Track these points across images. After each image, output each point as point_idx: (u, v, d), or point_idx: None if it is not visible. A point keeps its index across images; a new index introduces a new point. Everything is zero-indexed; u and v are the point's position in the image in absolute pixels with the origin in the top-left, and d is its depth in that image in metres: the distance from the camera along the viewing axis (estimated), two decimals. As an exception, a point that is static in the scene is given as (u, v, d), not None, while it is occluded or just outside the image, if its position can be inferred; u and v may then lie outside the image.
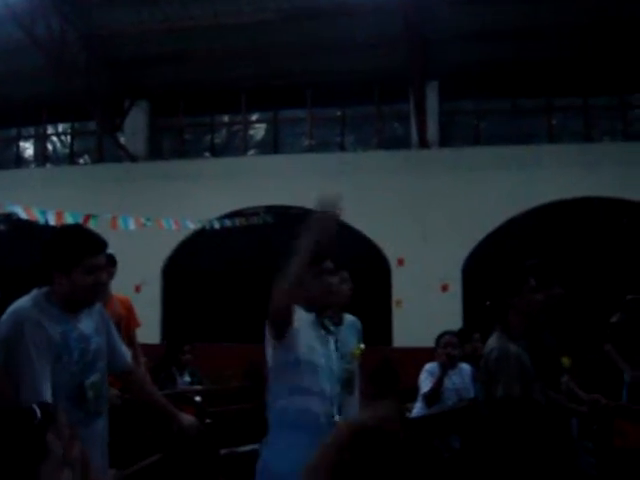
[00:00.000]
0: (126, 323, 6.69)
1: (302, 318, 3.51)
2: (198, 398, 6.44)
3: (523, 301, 4.21)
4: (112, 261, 6.61)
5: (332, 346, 3.71)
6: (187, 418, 3.95)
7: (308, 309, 3.61)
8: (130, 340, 6.69)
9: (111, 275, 6.65)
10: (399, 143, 15.73)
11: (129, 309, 6.85)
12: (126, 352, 3.92)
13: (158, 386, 7.50)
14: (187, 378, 7.91)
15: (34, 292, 3.47)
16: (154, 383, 7.45)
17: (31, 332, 3.28)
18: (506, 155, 14.37)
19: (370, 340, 5.79)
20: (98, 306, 3.75)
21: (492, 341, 4.24)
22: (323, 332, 3.67)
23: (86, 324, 3.55)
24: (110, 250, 6.67)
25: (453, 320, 11.20)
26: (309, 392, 3.50)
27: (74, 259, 3.39)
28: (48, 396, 3.24)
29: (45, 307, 3.40)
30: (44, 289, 3.47)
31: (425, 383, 6.80)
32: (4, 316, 3.35)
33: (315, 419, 3.47)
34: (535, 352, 4.23)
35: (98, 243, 3.56)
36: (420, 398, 6.85)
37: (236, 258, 15.11)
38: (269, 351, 3.55)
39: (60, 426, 2.27)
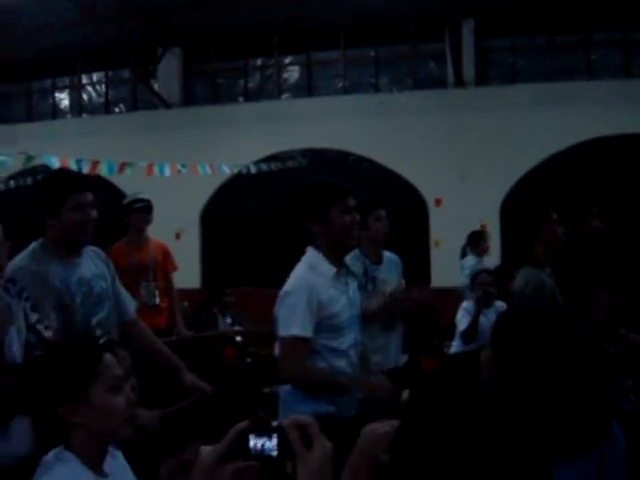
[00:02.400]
0: (163, 268, 6.78)
1: (321, 286, 3.45)
2: (239, 338, 6.51)
3: (547, 233, 4.28)
4: (148, 208, 6.69)
5: (353, 289, 3.68)
6: (190, 378, 3.90)
7: (331, 251, 3.57)
8: (168, 284, 6.79)
9: (148, 221, 6.75)
10: (435, 83, 15.49)
11: (165, 254, 6.98)
12: (130, 302, 3.96)
13: (200, 326, 7.64)
14: (228, 320, 8.00)
15: (31, 245, 3.55)
16: (196, 324, 7.63)
17: (29, 284, 3.35)
18: (544, 92, 14.06)
19: (409, 280, 5.78)
20: (101, 254, 3.82)
21: (524, 273, 4.31)
22: (343, 279, 3.62)
23: (86, 268, 3.62)
24: (147, 197, 6.84)
25: (491, 259, 11.09)
26: (335, 351, 3.51)
27: (60, 198, 3.45)
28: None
29: (42, 257, 3.48)
30: (40, 240, 3.54)
31: (462, 321, 6.87)
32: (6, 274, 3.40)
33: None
34: (562, 282, 4.28)
35: (81, 181, 3.66)
36: (457, 336, 6.92)
37: (273, 202, 15.10)
38: None
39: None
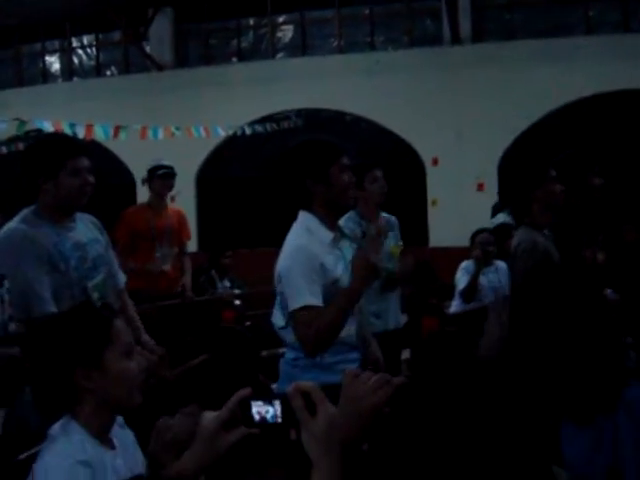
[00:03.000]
0: (177, 234, 6.89)
1: (321, 251, 3.32)
2: (237, 302, 6.51)
3: (544, 192, 4.14)
4: (171, 174, 6.80)
5: (348, 253, 3.57)
6: (146, 338, 3.89)
7: (328, 213, 3.44)
8: (181, 250, 6.89)
9: (170, 187, 6.97)
10: (431, 40, 15.31)
11: (181, 221, 7.15)
12: (120, 272, 3.94)
13: (198, 289, 7.67)
14: (227, 283, 8.00)
15: (23, 211, 3.50)
16: (195, 287, 7.68)
17: (21, 249, 3.33)
18: (541, 49, 13.91)
19: (406, 240, 5.73)
20: (95, 220, 3.81)
21: (519, 234, 4.21)
22: (340, 244, 3.50)
23: (81, 233, 3.60)
24: (170, 163, 6.95)
25: (489, 219, 11.05)
26: None
27: (58, 163, 3.41)
28: (51, 304, 3.29)
29: (34, 222, 3.44)
30: (32, 206, 3.50)
31: (461, 280, 6.90)
32: None
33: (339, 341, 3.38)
34: (560, 243, 4.18)
35: (78, 145, 3.65)
36: (457, 295, 6.93)
37: (269, 163, 15.02)
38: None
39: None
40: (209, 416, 1.75)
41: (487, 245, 6.85)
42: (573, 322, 1.90)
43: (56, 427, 2.10)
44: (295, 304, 3.22)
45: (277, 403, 1.61)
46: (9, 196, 3.45)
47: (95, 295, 3.53)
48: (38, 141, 3.87)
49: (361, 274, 3.23)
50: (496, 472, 1.16)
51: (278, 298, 3.45)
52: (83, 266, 3.53)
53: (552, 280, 2.05)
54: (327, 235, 3.39)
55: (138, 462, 2.25)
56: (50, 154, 3.49)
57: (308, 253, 3.26)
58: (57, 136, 4.38)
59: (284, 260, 3.33)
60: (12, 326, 3.06)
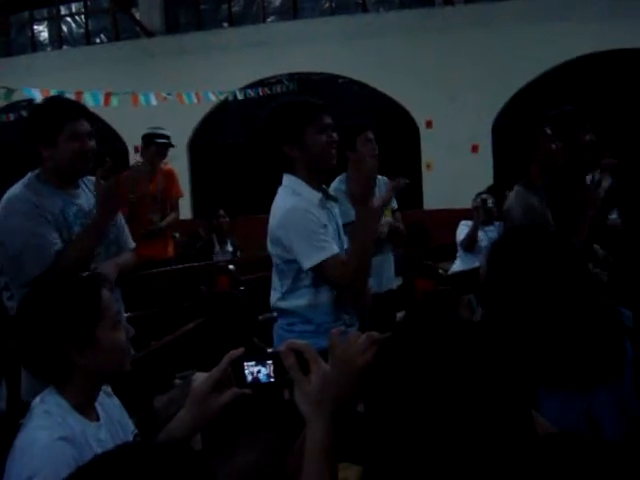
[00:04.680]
0: (167, 193, 7.02)
1: (314, 212, 3.22)
2: (232, 267, 6.52)
3: (541, 151, 4.10)
4: (169, 145, 6.86)
5: (336, 215, 3.49)
6: None
7: (311, 176, 3.32)
8: (171, 207, 6.97)
9: (164, 157, 7.08)
10: (423, 1, 15.10)
11: (170, 178, 7.20)
12: (129, 236, 3.83)
13: (196, 255, 7.71)
14: (229, 247, 8.00)
15: (27, 176, 3.43)
16: (193, 253, 7.74)
17: (22, 210, 3.28)
18: (535, 7, 13.74)
19: (401, 203, 5.73)
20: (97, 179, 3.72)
21: (513, 195, 4.17)
22: (328, 205, 3.41)
23: (85, 199, 3.52)
24: (168, 133, 6.98)
25: (484, 181, 11.03)
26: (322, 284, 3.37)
27: (56, 127, 3.33)
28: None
29: (38, 187, 3.36)
30: (36, 171, 3.42)
31: (462, 234, 7.19)
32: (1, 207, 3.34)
33: (326, 308, 3.33)
34: (555, 203, 4.14)
35: (77, 108, 3.51)
36: (459, 247, 7.22)
37: (262, 126, 14.93)
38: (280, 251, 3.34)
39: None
40: (201, 377, 1.75)
41: (486, 201, 7.03)
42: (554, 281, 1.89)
43: (37, 400, 2.07)
44: (314, 261, 3.15)
45: (270, 363, 1.61)
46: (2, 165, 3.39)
47: (94, 264, 3.49)
48: (38, 105, 3.80)
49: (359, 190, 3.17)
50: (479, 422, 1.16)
51: (275, 265, 3.36)
52: None
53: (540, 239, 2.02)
54: (314, 195, 3.30)
55: (126, 429, 2.24)
56: (49, 118, 3.38)
57: (303, 211, 3.19)
58: (56, 98, 4.24)
59: (282, 223, 3.23)
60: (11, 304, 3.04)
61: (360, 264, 3.17)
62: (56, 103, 3.65)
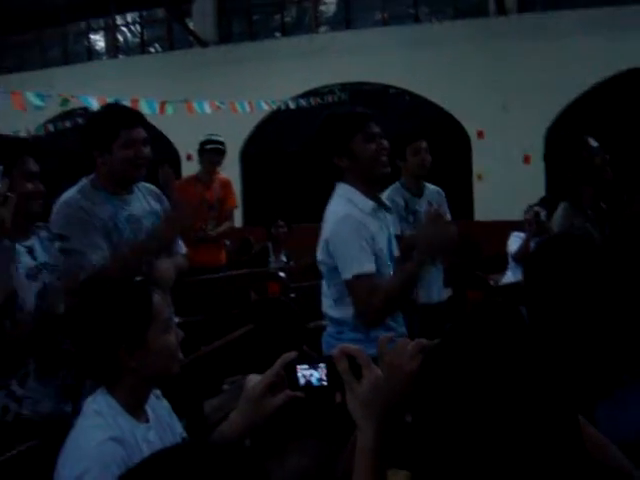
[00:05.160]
0: (222, 202, 7.06)
1: (365, 220, 3.22)
2: (282, 274, 6.53)
3: (583, 167, 3.97)
4: (220, 150, 6.91)
5: (388, 225, 3.48)
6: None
7: (364, 185, 3.31)
8: (225, 217, 7.02)
9: (218, 163, 7.11)
10: (476, 11, 15.08)
11: (226, 188, 7.23)
12: (180, 244, 3.83)
13: (250, 262, 7.75)
14: (283, 258, 8.03)
15: (82, 180, 3.46)
16: (247, 260, 7.77)
17: (73, 215, 3.30)
18: (588, 19, 13.60)
19: (451, 213, 5.69)
20: (155, 190, 3.74)
21: (558, 212, 4.04)
22: (381, 214, 3.40)
23: (137, 206, 3.53)
24: (221, 139, 7.04)
25: (536, 192, 10.92)
26: None
27: (111, 133, 3.35)
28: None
29: (91, 192, 3.39)
30: (91, 176, 3.45)
31: (513, 245, 7.14)
32: (54, 209, 3.37)
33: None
34: (602, 221, 4.02)
35: (133, 115, 3.51)
36: (510, 260, 7.16)
37: (312, 137, 14.98)
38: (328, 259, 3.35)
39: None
40: (255, 379, 1.76)
41: (539, 213, 6.99)
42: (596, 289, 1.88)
43: (89, 400, 2.10)
44: (350, 272, 3.14)
45: (322, 366, 1.61)
46: (59, 172, 3.42)
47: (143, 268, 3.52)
48: (95, 112, 3.83)
49: (428, 252, 3.17)
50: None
51: (323, 273, 3.37)
52: (136, 239, 3.48)
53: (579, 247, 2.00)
54: (367, 204, 3.29)
55: (175, 432, 2.25)
56: (105, 124, 3.42)
57: (355, 221, 3.18)
58: (113, 106, 4.27)
59: (332, 230, 3.24)
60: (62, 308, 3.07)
61: (389, 305, 3.19)
62: (113, 110, 3.69)
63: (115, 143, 3.36)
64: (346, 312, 3.28)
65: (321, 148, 3.37)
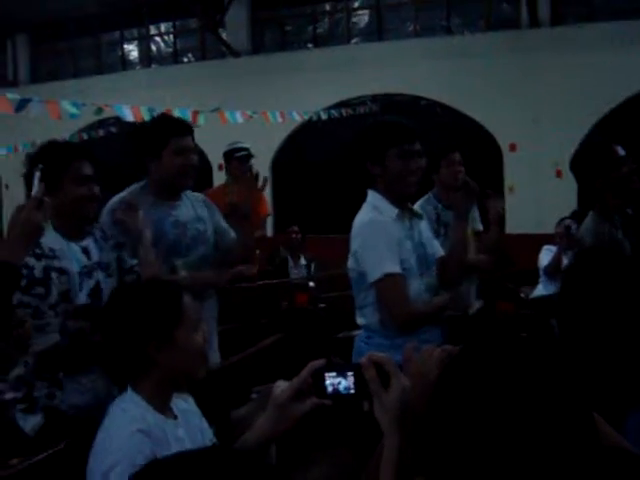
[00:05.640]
0: (257, 213, 7.02)
1: (390, 229, 3.26)
2: (311, 284, 6.54)
3: (613, 176, 3.91)
4: (248, 157, 6.95)
5: (420, 230, 3.49)
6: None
7: (390, 195, 3.35)
8: (257, 226, 7.04)
9: (247, 169, 6.97)
10: (508, 23, 15.00)
11: (259, 200, 7.11)
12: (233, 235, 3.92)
13: (274, 272, 7.78)
14: (303, 261, 8.07)
15: (132, 185, 3.64)
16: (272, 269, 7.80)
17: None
18: (622, 31, 13.47)
19: (483, 226, 5.66)
20: (203, 198, 3.88)
21: (586, 222, 4.00)
22: (407, 223, 3.41)
23: (183, 212, 3.68)
24: (247, 145, 7.08)
25: (568, 205, 10.84)
26: None
27: (162, 141, 3.47)
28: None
29: (139, 197, 3.52)
30: (142, 182, 3.62)
31: (544, 259, 7.11)
32: (103, 212, 3.49)
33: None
34: (629, 228, 3.98)
35: (184, 125, 3.66)
36: (542, 273, 7.14)
37: (344, 149, 14.99)
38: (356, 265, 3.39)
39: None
40: (282, 385, 1.76)
41: (570, 227, 6.95)
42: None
43: (115, 401, 2.14)
44: (378, 273, 3.18)
45: (350, 375, 1.61)
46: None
47: (182, 273, 3.58)
48: (147, 120, 3.97)
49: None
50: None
51: (352, 280, 3.39)
52: (180, 244, 3.62)
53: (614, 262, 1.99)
54: (392, 211, 3.32)
55: (204, 434, 2.27)
56: (156, 132, 3.58)
57: (380, 225, 3.23)
58: (165, 115, 4.42)
59: (358, 236, 3.29)
60: None
61: (422, 320, 3.26)
62: (164, 119, 3.88)
63: (165, 150, 3.52)
64: (370, 319, 3.33)
65: (357, 152, 3.42)
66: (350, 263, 3.36)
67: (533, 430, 1.13)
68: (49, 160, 2.82)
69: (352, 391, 1.61)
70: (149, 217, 3.46)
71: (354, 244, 3.31)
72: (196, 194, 3.84)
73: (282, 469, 2.82)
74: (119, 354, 2.16)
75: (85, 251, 3.04)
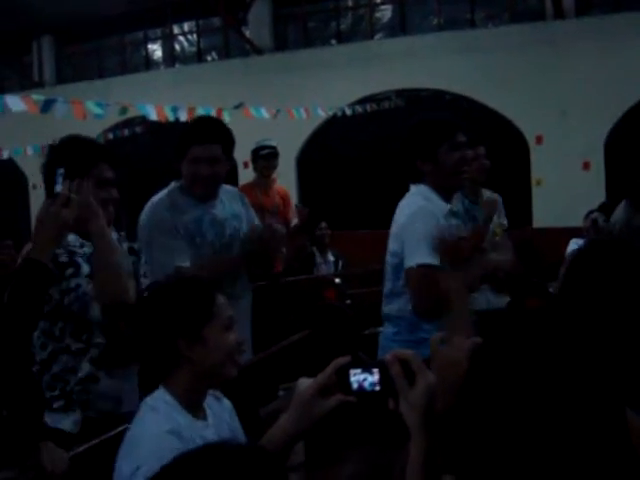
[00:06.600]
0: (283, 214, 7.06)
1: (437, 217, 3.26)
2: (338, 280, 6.54)
3: None
4: (274, 154, 6.94)
5: (460, 231, 3.52)
6: None
7: (440, 191, 3.41)
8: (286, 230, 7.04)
9: (273, 167, 7.14)
10: (533, 15, 14.86)
11: (285, 200, 7.27)
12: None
13: (299, 268, 7.77)
14: (330, 257, 8.08)
15: (170, 185, 3.67)
16: (295, 265, 7.78)
17: (158, 217, 3.51)
18: (649, 20, 13.38)
19: (509, 220, 5.62)
20: (238, 193, 3.93)
21: (619, 210, 4.02)
22: (454, 222, 3.42)
23: (221, 209, 3.70)
24: (274, 143, 7.08)
25: (596, 198, 10.75)
26: None
27: (182, 149, 3.59)
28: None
29: (177, 196, 3.59)
30: (181, 181, 3.64)
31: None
32: (143, 210, 3.59)
33: None
34: None
35: (206, 133, 3.61)
36: None
37: (369, 144, 14.99)
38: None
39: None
40: (306, 382, 1.74)
41: (597, 220, 6.87)
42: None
43: (147, 399, 2.13)
44: (410, 262, 3.19)
45: (376, 371, 1.59)
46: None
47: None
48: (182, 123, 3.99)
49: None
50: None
51: (390, 265, 3.42)
52: (220, 242, 3.66)
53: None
54: (444, 206, 3.38)
55: (235, 433, 2.26)
56: (179, 138, 3.62)
57: (431, 214, 3.26)
58: (194, 121, 4.43)
59: (405, 220, 3.31)
60: None
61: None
62: (190, 125, 3.93)
63: (185, 157, 3.57)
64: (405, 306, 3.32)
65: (407, 150, 3.45)
66: (392, 246, 3.38)
67: (564, 424, 1.11)
68: (70, 161, 2.82)
69: (377, 388, 1.59)
70: (189, 216, 3.54)
71: (401, 227, 3.33)
72: (231, 188, 3.87)
73: (312, 467, 2.81)
74: (151, 349, 2.17)
75: None
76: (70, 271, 2.86)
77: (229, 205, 3.75)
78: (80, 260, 2.91)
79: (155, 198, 3.61)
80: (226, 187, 3.81)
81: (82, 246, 2.94)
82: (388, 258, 3.41)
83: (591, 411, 1.13)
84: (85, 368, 2.89)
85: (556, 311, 2.15)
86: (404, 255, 3.24)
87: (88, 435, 2.68)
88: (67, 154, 2.95)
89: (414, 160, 3.40)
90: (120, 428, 2.54)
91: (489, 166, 5.08)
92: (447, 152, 3.35)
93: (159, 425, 2.00)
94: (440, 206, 3.35)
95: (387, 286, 3.44)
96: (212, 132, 3.64)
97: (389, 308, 3.41)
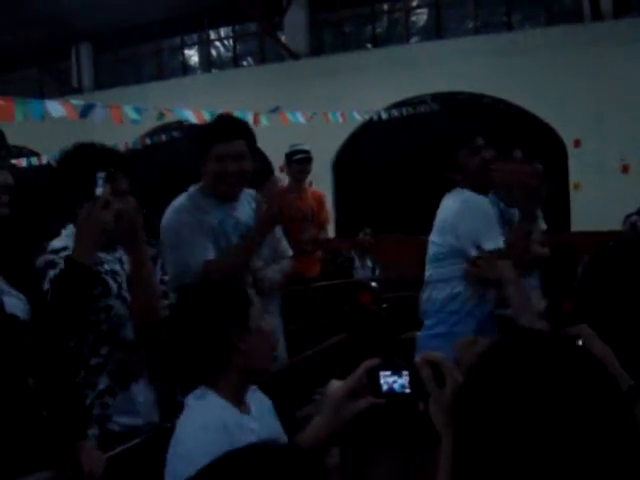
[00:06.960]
0: (318, 217, 7.07)
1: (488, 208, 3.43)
2: (374, 284, 6.54)
3: None
4: (308, 159, 6.95)
5: None
6: None
7: (476, 191, 3.52)
8: (321, 234, 7.05)
9: (307, 172, 7.13)
10: (570, 17, 14.73)
11: (320, 204, 7.28)
12: (287, 250, 3.94)
13: (336, 272, 7.78)
14: (369, 263, 8.08)
15: (190, 188, 3.64)
16: (332, 269, 7.80)
17: (182, 219, 3.48)
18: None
19: (547, 224, 5.58)
20: (253, 193, 3.85)
21: None
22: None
23: (243, 211, 3.67)
24: (307, 147, 7.10)
25: (635, 201, 10.60)
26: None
27: (204, 147, 3.53)
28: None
29: (199, 199, 3.56)
30: (200, 183, 3.62)
31: None
32: (165, 214, 3.57)
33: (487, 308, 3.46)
34: None
35: (229, 129, 3.58)
36: None
37: (406, 148, 14.94)
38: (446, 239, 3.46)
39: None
40: (336, 384, 1.75)
41: (635, 224, 6.81)
42: None
43: (190, 397, 2.16)
44: (497, 244, 3.38)
45: (406, 374, 1.59)
46: (157, 184, 3.52)
47: (247, 276, 3.60)
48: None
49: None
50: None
51: (435, 255, 3.54)
52: None
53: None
54: (494, 210, 3.64)
55: (275, 430, 2.30)
56: (200, 137, 3.63)
57: (481, 201, 3.40)
58: (215, 119, 4.38)
59: (459, 212, 3.47)
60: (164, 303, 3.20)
61: None
62: (210, 124, 4.03)
63: (208, 156, 3.52)
64: (439, 294, 3.54)
65: (436, 165, 3.65)
66: (440, 239, 3.54)
67: (568, 427, 1.10)
68: (85, 172, 2.72)
69: (407, 390, 1.59)
70: (212, 218, 3.51)
71: (454, 219, 3.49)
72: (249, 191, 3.82)
73: (344, 470, 2.81)
74: (203, 349, 2.19)
75: (120, 261, 3.05)
76: (97, 290, 2.79)
77: (250, 207, 3.71)
78: (107, 278, 2.90)
79: (176, 202, 3.58)
80: (247, 189, 3.79)
81: (103, 263, 2.91)
82: (432, 249, 3.58)
83: (599, 417, 1.12)
84: (103, 382, 2.90)
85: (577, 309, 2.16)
86: (474, 242, 3.39)
87: (106, 450, 2.67)
88: (82, 166, 2.85)
89: (444, 173, 3.57)
90: (138, 440, 2.58)
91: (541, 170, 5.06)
92: (468, 156, 3.53)
93: (206, 422, 2.04)
94: (483, 199, 3.53)
95: (430, 268, 3.61)
96: (235, 128, 3.61)
97: (435, 292, 3.56)
